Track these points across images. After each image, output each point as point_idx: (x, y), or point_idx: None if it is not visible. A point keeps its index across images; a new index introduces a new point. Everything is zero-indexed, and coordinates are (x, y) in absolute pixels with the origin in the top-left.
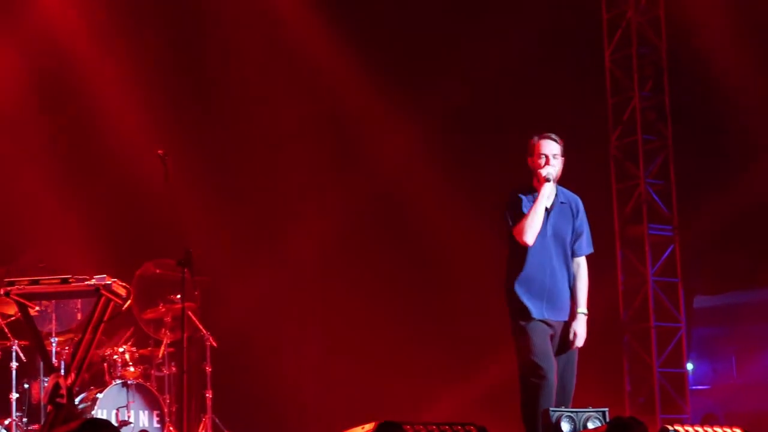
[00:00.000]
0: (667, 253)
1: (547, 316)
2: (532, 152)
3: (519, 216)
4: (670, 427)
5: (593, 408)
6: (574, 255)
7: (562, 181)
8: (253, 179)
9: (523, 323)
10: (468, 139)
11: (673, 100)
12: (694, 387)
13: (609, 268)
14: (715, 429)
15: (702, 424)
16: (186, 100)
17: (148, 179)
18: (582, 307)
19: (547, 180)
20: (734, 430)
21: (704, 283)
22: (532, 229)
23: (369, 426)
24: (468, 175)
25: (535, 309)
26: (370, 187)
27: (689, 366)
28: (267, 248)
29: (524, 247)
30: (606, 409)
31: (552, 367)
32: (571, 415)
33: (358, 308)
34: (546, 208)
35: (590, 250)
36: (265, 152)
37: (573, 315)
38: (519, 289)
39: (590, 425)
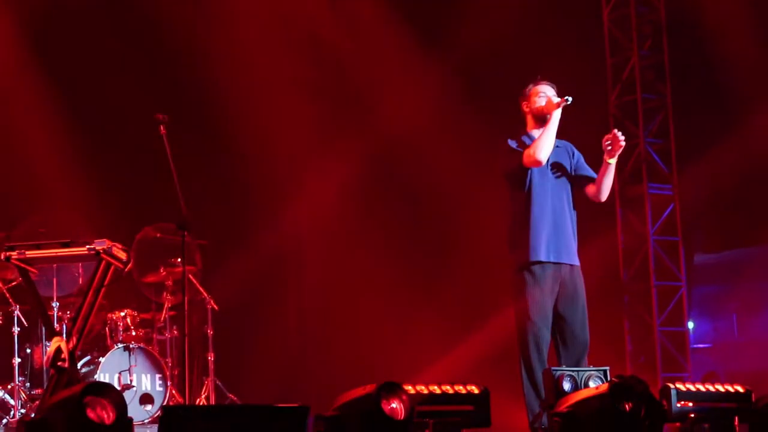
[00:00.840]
0: (667, 212)
1: (553, 257)
2: (528, 96)
3: (524, 147)
4: (672, 386)
5: (594, 367)
6: (586, 184)
7: (559, 137)
8: (253, 140)
9: (525, 272)
10: (468, 100)
11: (672, 59)
12: (695, 345)
13: (609, 228)
14: (716, 387)
15: (703, 383)
16: (183, 60)
17: (146, 143)
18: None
19: (567, 101)
20: (735, 387)
21: (705, 241)
22: (546, 147)
23: (370, 386)
24: (470, 140)
25: (540, 249)
26: (373, 148)
27: (690, 325)
28: (268, 210)
29: (529, 190)
30: (607, 368)
31: (547, 324)
32: (573, 374)
33: (360, 270)
34: None
35: (596, 174)
36: (265, 113)
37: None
38: (523, 230)
39: (591, 384)
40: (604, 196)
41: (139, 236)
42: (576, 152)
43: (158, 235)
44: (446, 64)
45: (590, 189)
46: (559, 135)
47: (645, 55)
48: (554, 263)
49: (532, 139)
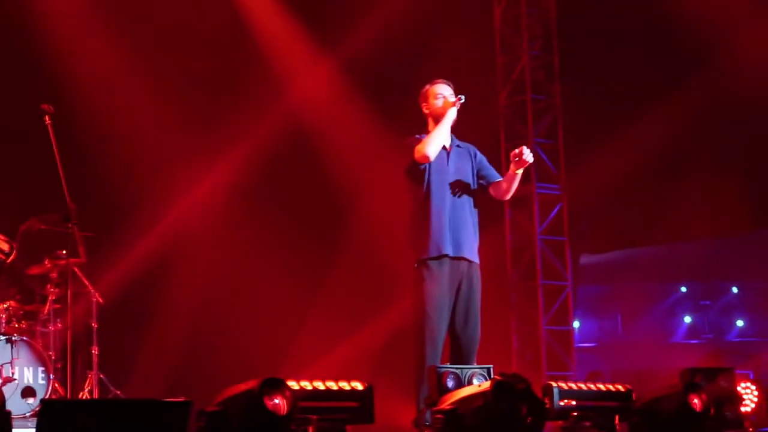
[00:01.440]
0: (554, 212)
1: (451, 253)
2: (426, 98)
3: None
4: (554, 384)
5: (479, 364)
6: (488, 185)
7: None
8: (141, 130)
9: (422, 267)
10: (359, 94)
11: (562, 60)
12: (579, 344)
13: (497, 226)
14: (598, 385)
15: (586, 381)
16: (66, 48)
17: (31, 132)
18: None
19: (461, 100)
20: (616, 386)
21: (591, 242)
22: (435, 143)
23: (253, 382)
24: (363, 134)
25: (437, 245)
26: (264, 139)
27: (575, 324)
28: (156, 202)
29: (428, 185)
30: (491, 366)
31: (444, 320)
32: (456, 371)
33: (248, 264)
34: (446, 149)
35: (501, 176)
36: (152, 102)
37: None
38: (422, 226)
39: (475, 381)
40: (508, 196)
41: (24, 227)
42: (479, 154)
43: (43, 226)
44: (338, 57)
45: (493, 189)
46: (453, 134)
47: (535, 56)
48: (452, 258)
49: None
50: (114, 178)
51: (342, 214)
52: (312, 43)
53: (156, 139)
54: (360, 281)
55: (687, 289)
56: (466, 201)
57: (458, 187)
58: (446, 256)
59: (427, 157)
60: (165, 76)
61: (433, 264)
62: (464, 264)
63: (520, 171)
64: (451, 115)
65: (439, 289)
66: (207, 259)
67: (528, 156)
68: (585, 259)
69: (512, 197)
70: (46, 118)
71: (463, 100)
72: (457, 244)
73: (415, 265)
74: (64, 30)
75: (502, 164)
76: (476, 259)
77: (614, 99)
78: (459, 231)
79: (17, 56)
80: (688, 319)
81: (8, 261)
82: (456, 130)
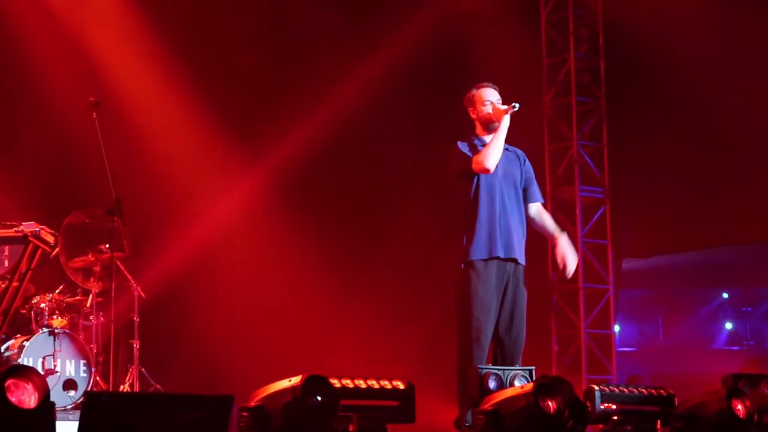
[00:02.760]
0: (597, 215)
1: (501, 253)
2: (473, 103)
3: (475, 151)
4: (596, 387)
5: (520, 366)
6: (529, 201)
7: None
8: (185, 127)
9: (469, 269)
10: (406, 96)
11: (608, 62)
12: (620, 349)
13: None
14: (640, 389)
15: (627, 386)
16: (119, 48)
17: (78, 126)
18: (558, 230)
19: (514, 108)
20: (659, 390)
21: (633, 245)
22: (494, 155)
23: (296, 379)
24: (405, 135)
25: (485, 247)
26: (306, 140)
27: (616, 328)
28: (199, 199)
29: (477, 187)
30: (533, 367)
31: (490, 322)
32: (498, 373)
33: (289, 261)
34: None
35: (543, 199)
36: (199, 99)
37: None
38: (470, 228)
39: (517, 383)
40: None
41: (68, 220)
42: (527, 161)
43: (87, 219)
44: (384, 57)
45: (531, 211)
46: None
47: (581, 58)
48: (499, 260)
49: (482, 143)
50: (157, 174)
51: (386, 211)
52: (357, 43)
53: (200, 137)
54: (403, 280)
55: (728, 295)
56: (515, 203)
57: (507, 190)
58: (495, 258)
59: (488, 170)
60: (210, 75)
61: (480, 265)
62: (511, 265)
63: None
64: (506, 123)
65: (485, 290)
66: (248, 254)
67: (570, 264)
68: (627, 263)
69: (556, 199)
70: (93, 111)
71: (516, 108)
72: (506, 245)
73: (462, 266)
74: (111, 28)
75: (546, 166)
76: (523, 261)
77: (659, 102)
78: (508, 232)
79: (66, 51)
80: (729, 326)
81: (53, 254)
82: None
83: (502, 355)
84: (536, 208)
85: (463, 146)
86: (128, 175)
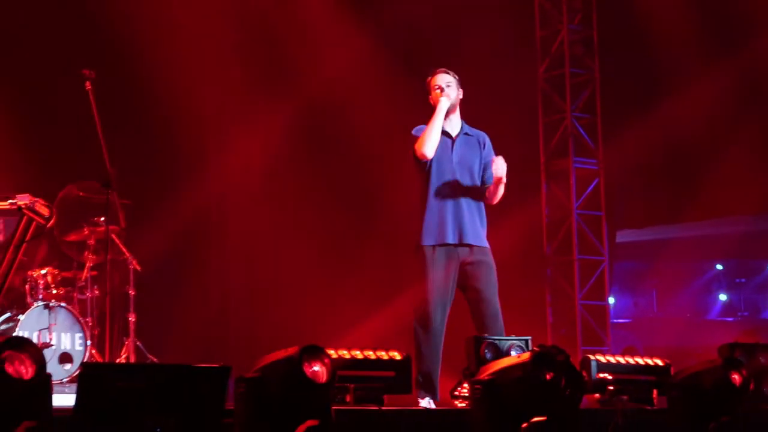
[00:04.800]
0: (591, 187)
1: (450, 239)
2: (429, 89)
3: None
4: (592, 357)
5: (516, 336)
6: (486, 183)
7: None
8: (178, 98)
9: (420, 253)
10: (397, 67)
11: (601, 34)
12: (615, 320)
13: (533, 200)
14: (636, 359)
15: (623, 355)
16: (109, 15)
17: (71, 98)
18: None
19: (441, 94)
20: (654, 360)
21: (628, 217)
22: (430, 141)
23: (292, 349)
24: (398, 105)
25: (436, 232)
26: (300, 110)
27: (611, 299)
28: (193, 171)
29: (429, 173)
30: (529, 337)
31: (441, 304)
32: (495, 342)
33: (284, 232)
34: (451, 137)
35: None
36: (190, 70)
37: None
38: (420, 213)
39: (513, 353)
40: (494, 202)
41: (62, 194)
42: (488, 145)
43: (81, 193)
44: (375, 31)
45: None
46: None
47: (574, 30)
48: (449, 246)
49: None
50: (152, 146)
51: (380, 184)
52: (348, 14)
53: (195, 108)
54: (399, 250)
55: (723, 266)
56: (470, 189)
57: (461, 176)
58: (445, 244)
59: (424, 155)
60: (204, 45)
61: (428, 251)
62: (465, 249)
63: (500, 184)
64: (442, 106)
65: (437, 274)
66: (244, 227)
67: (499, 169)
68: (621, 234)
69: (550, 171)
70: (87, 83)
71: (444, 89)
72: (457, 232)
73: (414, 250)
74: None
75: (540, 138)
76: (482, 243)
77: (653, 73)
78: (459, 219)
79: (58, 19)
80: (723, 297)
81: (48, 226)
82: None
83: (487, 326)
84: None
85: (417, 131)
86: (123, 147)
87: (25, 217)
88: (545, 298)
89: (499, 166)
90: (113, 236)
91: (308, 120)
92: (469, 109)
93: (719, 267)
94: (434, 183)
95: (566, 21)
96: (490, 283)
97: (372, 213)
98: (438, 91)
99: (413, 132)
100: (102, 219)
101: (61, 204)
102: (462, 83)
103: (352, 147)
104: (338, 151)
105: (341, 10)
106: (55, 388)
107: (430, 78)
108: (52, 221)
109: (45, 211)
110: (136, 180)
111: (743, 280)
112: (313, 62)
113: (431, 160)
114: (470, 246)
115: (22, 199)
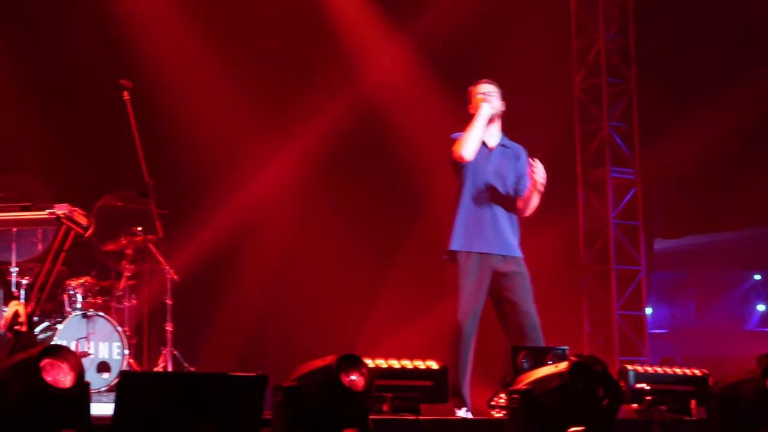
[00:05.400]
0: (628, 197)
1: (482, 248)
2: (470, 98)
3: None
4: (629, 367)
5: (553, 346)
6: (519, 195)
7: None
8: (216, 108)
9: (452, 261)
10: (437, 77)
11: (638, 43)
12: (652, 331)
13: (570, 210)
14: (674, 369)
15: (661, 365)
16: (146, 27)
17: (109, 109)
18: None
19: (484, 100)
20: (692, 370)
21: (665, 226)
22: (469, 144)
23: (330, 358)
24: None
25: (468, 240)
26: (338, 120)
27: (648, 310)
28: (230, 181)
29: (464, 180)
30: (566, 347)
31: (473, 311)
32: (533, 352)
33: (322, 241)
34: (488, 147)
35: None
36: (229, 80)
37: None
38: (453, 219)
39: (550, 362)
40: (527, 214)
41: (100, 203)
42: (523, 158)
43: (119, 203)
44: (412, 39)
45: (519, 205)
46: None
47: (611, 39)
48: (481, 254)
49: None
50: (188, 156)
51: (417, 194)
52: (387, 24)
53: (231, 118)
54: (436, 259)
55: (761, 276)
56: (503, 200)
57: (496, 186)
58: (476, 252)
59: (462, 158)
60: (240, 56)
61: (461, 257)
62: (497, 258)
63: (536, 191)
64: (483, 112)
65: (467, 282)
66: (280, 236)
67: (539, 173)
68: (659, 244)
69: (587, 181)
70: (125, 93)
71: (488, 97)
72: (488, 241)
73: (445, 256)
74: (142, 9)
75: (577, 147)
76: (514, 253)
77: (690, 82)
78: (496, 230)
79: (98, 33)
80: (761, 307)
81: (86, 235)
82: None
83: (528, 338)
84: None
85: (456, 136)
86: (159, 157)
87: (63, 227)
88: (582, 308)
89: (539, 171)
90: (150, 246)
91: (343, 130)
92: (505, 118)
93: (757, 277)
94: (469, 191)
95: (603, 30)
96: (526, 295)
97: (409, 222)
98: (481, 98)
99: (452, 136)
100: (139, 228)
101: (98, 214)
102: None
103: (388, 156)
104: (374, 161)
105: (377, 21)
106: (93, 397)
107: (472, 87)
108: (90, 231)
109: (83, 221)
110: (173, 190)
111: None
112: (349, 68)
113: (468, 167)
114: (503, 256)
115: (61, 209)
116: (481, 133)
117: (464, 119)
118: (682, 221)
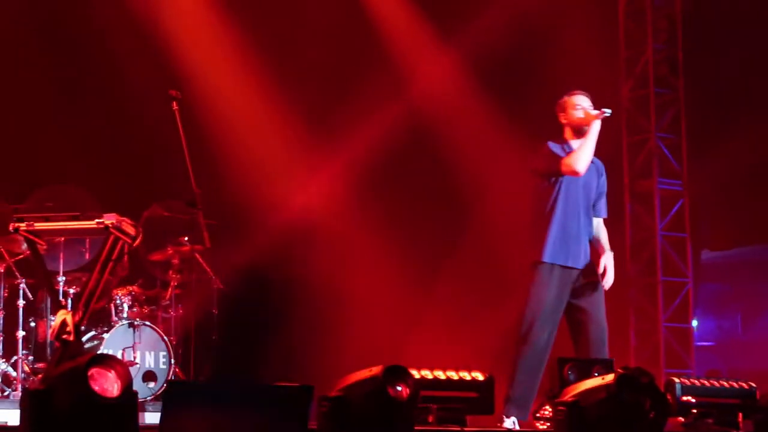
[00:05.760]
0: (676, 208)
1: (568, 262)
2: (565, 108)
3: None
4: (676, 380)
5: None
6: (595, 214)
7: None
8: (263, 117)
9: (536, 270)
10: (485, 88)
11: (686, 53)
12: (698, 343)
13: (617, 221)
14: (721, 382)
15: (708, 378)
16: (198, 40)
17: (158, 119)
18: (608, 246)
19: (605, 113)
20: (740, 383)
21: (712, 238)
22: (585, 158)
23: (376, 369)
24: (488, 124)
25: (557, 251)
26: (387, 127)
27: (694, 322)
28: (278, 190)
29: (558, 191)
30: (612, 359)
31: (547, 324)
32: (579, 364)
33: (369, 252)
34: None
35: (606, 214)
36: (279, 90)
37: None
38: (543, 230)
39: (596, 375)
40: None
41: (147, 213)
42: (604, 175)
43: (166, 213)
44: (461, 50)
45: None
46: None
47: (659, 49)
48: (564, 267)
49: (570, 148)
50: (236, 166)
51: (464, 205)
52: (435, 34)
53: (279, 129)
54: (483, 271)
55: None
56: (587, 215)
57: (583, 201)
58: (561, 265)
59: (577, 173)
60: (288, 67)
61: (545, 268)
62: (576, 272)
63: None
64: (597, 128)
65: (548, 293)
66: (327, 247)
67: (608, 282)
68: (706, 255)
69: (634, 192)
70: (174, 104)
71: (608, 114)
72: (574, 254)
73: (531, 265)
74: (191, 21)
75: (624, 159)
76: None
77: (738, 93)
78: (578, 241)
79: (147, 44)
80: None
81: (134, 245)
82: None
83: (594, 348)
84: (597, 222)
85: (554, 147)
86: (207, 167)
87: (112, 237)
88: (629, 319)
89: (609, 278)
90: (197, 256)
91: (391, 140)
92: (553, 129)
93: None
94: (562, 203)
95: (651, 41)
96: (600, 307)
97: (457, 233)
98: (581, 110)
99: (548, 145)
100: (186, 238)
101: (146, 223)
102: (545, 103)
103: (436, 167)
104: (423, 172)
105: (424, 31)
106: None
107: (567, 97)
108: (138, 240)
109: (131, 231)
110: (220, 201)
111: None
112: (397, 80)
113: (563, 178)
114: (581, 270)
115: (109, 219)
116: (593, 147)
117: (515, 129)
118: (730, 233)
